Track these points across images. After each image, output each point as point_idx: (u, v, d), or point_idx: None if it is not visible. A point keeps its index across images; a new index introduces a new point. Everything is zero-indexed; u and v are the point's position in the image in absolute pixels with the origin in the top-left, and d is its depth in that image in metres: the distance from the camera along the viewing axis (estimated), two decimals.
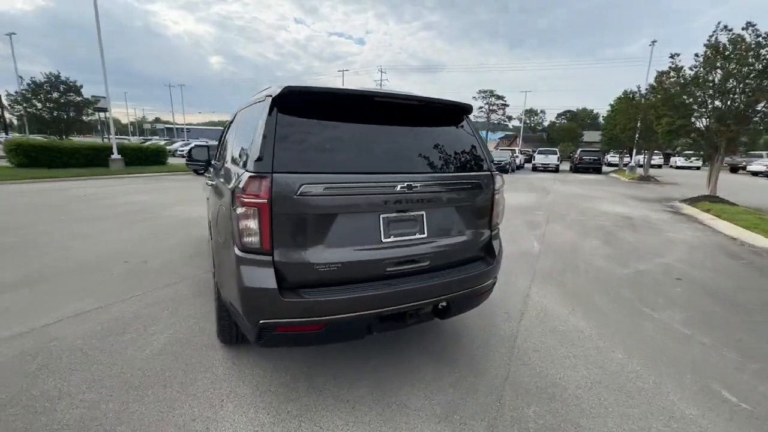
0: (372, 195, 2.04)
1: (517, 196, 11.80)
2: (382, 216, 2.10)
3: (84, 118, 27.89)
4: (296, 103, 1.99)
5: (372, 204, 2.05)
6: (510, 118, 61.36)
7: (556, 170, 25.99)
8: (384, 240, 2.11)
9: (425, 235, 2.25)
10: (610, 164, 37.90)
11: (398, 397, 2.24)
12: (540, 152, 27.35)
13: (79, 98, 26.68)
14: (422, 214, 2.24)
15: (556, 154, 26.54)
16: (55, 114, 25.95)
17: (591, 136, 54.13)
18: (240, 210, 1.84)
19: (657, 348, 2.89)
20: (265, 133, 1.90)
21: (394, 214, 2.14)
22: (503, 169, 23.02)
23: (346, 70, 38.01)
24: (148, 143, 23.29)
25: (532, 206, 9.84)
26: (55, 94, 25.53)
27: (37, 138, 20.24)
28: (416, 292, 2.13)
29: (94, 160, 16.47)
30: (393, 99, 2.19)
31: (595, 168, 25.71)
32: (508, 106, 58.67)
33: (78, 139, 26.50)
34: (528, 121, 75.89)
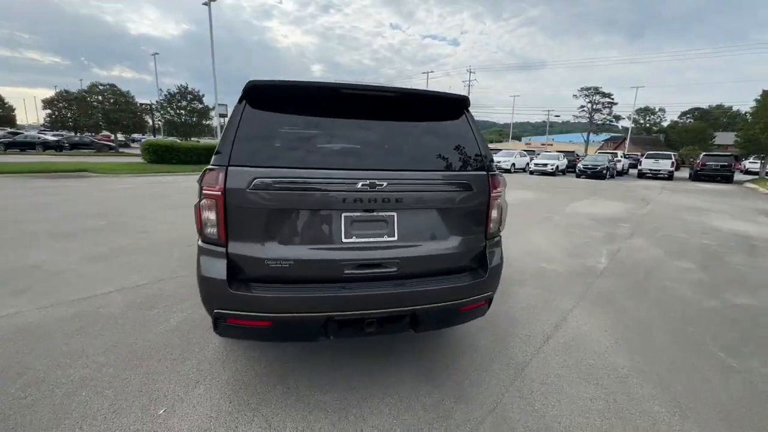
0: (330, 192, 1.94)
1: (604, 205, 10.38)
2: (344, 215, 1.99)
3: (204, 122, 32.62)
4: (263, 98, 2.00)
5: (330, 201, 1.95)
6: (618, 118, 54.21)
7: (670, 177, 22.17)
8: (345, 240, 2.00)
9: (395, 239, 2.07)
10: (748, 172, 31.05)
11: (360, 409, 2.10)
12: (648, 156, 23.61)
13: (201, 105, 31.34)
14: (393, 216, 2.06)
15: (670, 158, 22.61)
16: (183, 119, 30.89)
17: (726, 138, 45.09)
18: (200, 201, 1.91)
19: (722, 410, 2.22)
20: (228, 127, 1.95)
21: (359, 214, 2.01)
22: (598, 175, 20.48)
23: (431, 72, 37.60)
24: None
25: (619, 217, 8.54)
26: (183, 103, 30.46)
27: (165, 139, 24.32)
28: (376, 300, 1.97)
29: (206, 158, 19.16)
30: (364, 91, 2.06)
31: (723, 176, 21.20)
32: (615, 104, 51.84)
33: (204, 141, 31.15)
34: (642, 121, 66.39)
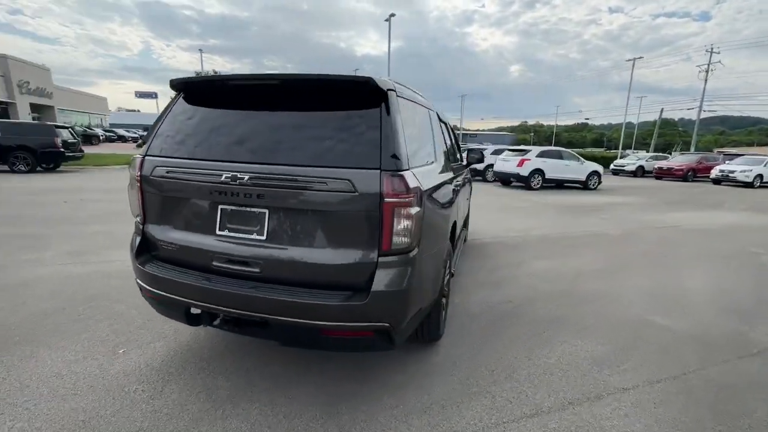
0: (202, 183, 1.93)
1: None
2: (221, 207, 1.95)
3: None
4: (187, 92, 2.15)
5: (204, 192, 1.94)
6: None
7: None
8: (218, 232, 1.96)
9: (263, 238, 1.88)
10: None
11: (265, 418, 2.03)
12: None
13: None
14: (265, 213, 1.88)
15: None
16: None
17: None
18: (129, 184, 2.24)
19: None
20: (155, 121, 2.20)
21: (233, 207, 1.93)
22: None
23: (639, 57, 30.25)
24: None
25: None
26: None
27: None
28: (231, 298, 1.85)
29: None
30: (253, 81, 1.94)
31: None
32: None
33: None
34: None
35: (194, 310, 2.02)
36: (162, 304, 2.11)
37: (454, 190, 2.98)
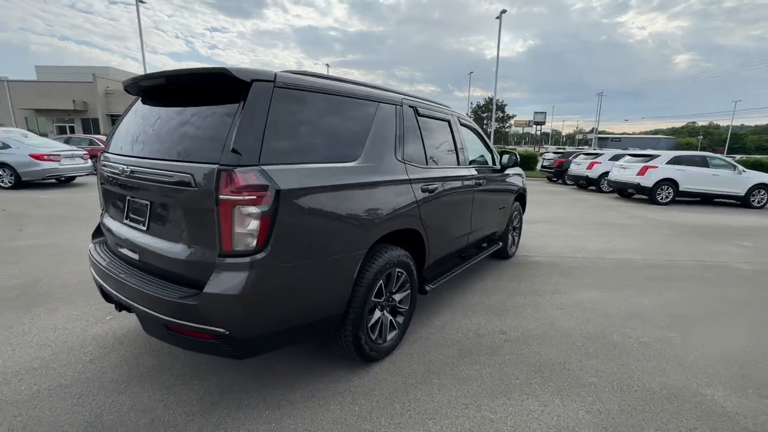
0: (112, 175, 2.13)
1: None
2: (128, 198, 2.12)
3: (505, 130, 34.48)
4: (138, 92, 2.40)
5: (115, 184, 2.14)
6: None
7: None
8: (124, 220, 2.13)
9: (144, 228, 1.97)
10: None
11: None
12: None
13: (502, 114, 33.27)
14: (147, 204, 1.96)
15: None
16: (483, 128, 34.04)
17: None
18: None
19: None
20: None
21: (131, 198, 2.08)
22: None
23: None
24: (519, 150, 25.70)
25: None
26: (485, 114, 33.46)
27: None
28: (113, 282, 1.99)
29: None
30: (146, 80, 2.04)
31: None
32: None
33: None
34: None
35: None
36: (94, 281, 2.41)
37: (423, 195, 2.62)
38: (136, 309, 1.88)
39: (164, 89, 2.15)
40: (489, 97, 34.39)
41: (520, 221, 5.08)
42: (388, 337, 2.53)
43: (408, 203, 2.50)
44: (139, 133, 2.13)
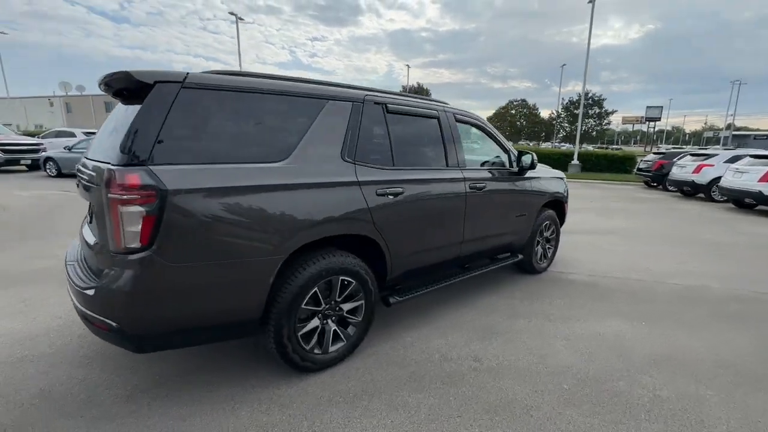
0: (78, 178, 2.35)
1: None
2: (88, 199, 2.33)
3: (601, 128, 30.73)
4: None
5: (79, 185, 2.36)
6: None
7: None
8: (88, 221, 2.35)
9: (90, 227, 2.15)
10: None
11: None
12: None
13: (599, 110, 29.64)
14: (90, 204, 2.14)
15: None
16: (574, 125, 30.69)
17: None
18: None
19: None
20: None
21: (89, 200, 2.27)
22: None
23: None
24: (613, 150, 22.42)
25: None
26: (576, 110, 30.08)
27: (521, 146, 25.32)
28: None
29: (559, 165, 18.59)
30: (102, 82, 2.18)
31: None
32: None
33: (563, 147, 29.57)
34: None
35: None
36: None
37: (380, 199, 2.42)
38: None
39: (113, 94, 2.29)
40: (588, 92, 30.58)
41: (556, 232, 4.41)
42: (331, 349, 2.38)
43: (354, 208, 2.32)
44: (97, 137, 2.32)
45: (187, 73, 1.85)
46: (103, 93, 2.08)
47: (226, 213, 1.85)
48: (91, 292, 1.76)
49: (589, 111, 30.83)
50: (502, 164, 3.70)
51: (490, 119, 50.61)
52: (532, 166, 3.63)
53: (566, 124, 32.97)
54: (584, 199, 10.41)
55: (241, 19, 23.24)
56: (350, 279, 2.36)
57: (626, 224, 7.30)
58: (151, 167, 1.68)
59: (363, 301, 2.48)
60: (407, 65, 38.98)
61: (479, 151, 4.08)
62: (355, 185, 2.33)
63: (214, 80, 1.92)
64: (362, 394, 2.19)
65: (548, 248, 4.39)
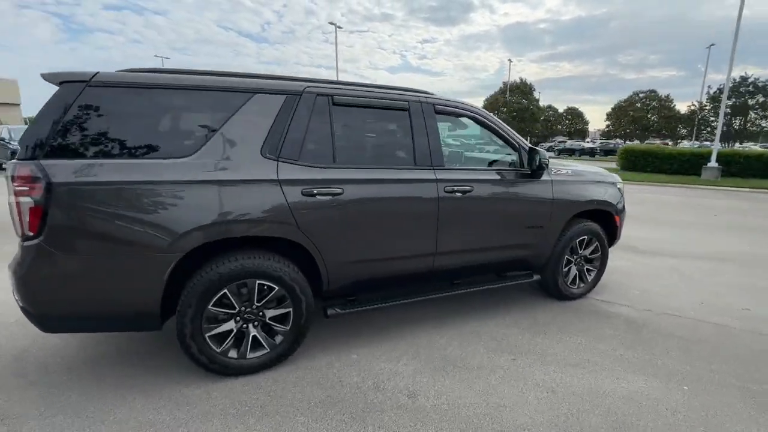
0: None
1: None
2: None
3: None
4: None
5: None
6: None
7: None
8: None
9: None
10: None
11: None
12: None
13: (764, 98, 23.18)
14: None
15: None
16: (729, 118, 24.55)
17: None
18: None
19: None
20: None
21: None
22: None
23: None
24: None
25: None
26: (730, 101, 23.82)
27: (640, 145, 20.76)
28: None
29: (689, 168, 15.10)
30: None
31: None
32: None
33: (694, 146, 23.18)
34: None
35: None
36: None
37: (307, 199, 2.22)
38: None
39: None
40: (738, 77, 23.69)
41: (601, 250, 3.50)
42: (251, 355, 2.26)
43: (270, 208, 2.15)
44: None
45: (96, 73, 1.93)
46: None
47: (115, 208, 1.87)
48: (9, 273, 1.97)
49: (749, 100, 23.97)
50: (510, 164, 3.08)
51: (610, 115, 43.49)
52: (540, 167, 2.92)
53: (713, 118, 26.21)
54: (704, 212, 8.21)
55: (339, 27, 24.95)
56: (271, 284, 2.20)
57: (752, 248, 5.48)
58: (41, 161, 1.79)
59: (291, 309, 2.30)
60: (509, 60, 36.09)
61: (485, 149, 3.48)
62: (273, 184, 2.16)
63: (123, 78, 1.97)
64: (257, 410, 2.01)
65: (589, 270, 3.51)
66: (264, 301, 2.24)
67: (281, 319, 2.31)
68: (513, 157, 3.08)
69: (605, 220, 3.53)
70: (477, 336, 2.82)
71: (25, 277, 1.84)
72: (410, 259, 2.64)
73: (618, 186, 3.60)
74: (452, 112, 2.84)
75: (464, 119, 2.97)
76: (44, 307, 1.91)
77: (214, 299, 2.10)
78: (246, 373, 2.27)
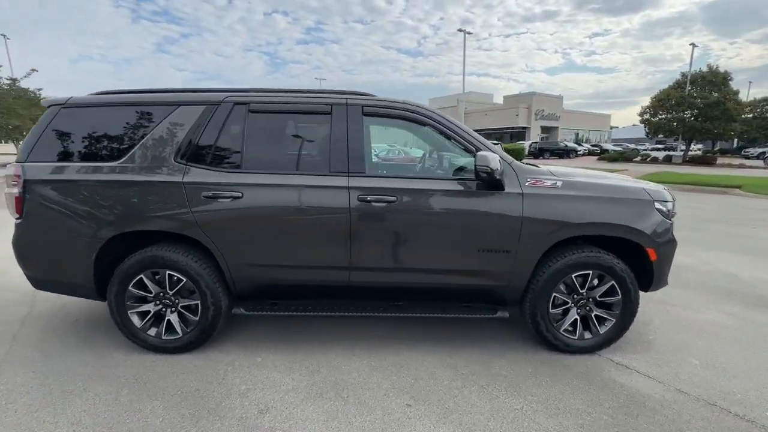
0: None
1: None
2: None
3: None
4: None
5: None
6: None
7: None
8: None
9: None
10: None
11: None
12: None
13: None
14: None
15: None
16: None
17: None
18: None
19: None
20: None
21: None
22: None
23: None
24: None
25: None
26: None
27: None
28: None
29: None
30: None
31: None
32: None
33: None
34: None
35: None
36: None
37: (210, 202, 2.39)
38: None
39: None
40: None
41: (622, 294, 2.51)
42: (165, 336, 2.54)
43: (173, 207, 2.38)
44: None
45: (70, 97, 2.54)
46: None
47: (64, 199, 2.41)
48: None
49: None
50: (458, 171, 2.57)
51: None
52: (491, 176, 2.29)
53: None
54: None
55: (469, 33, 24.19)
56: (180, 276, 2.45)
57: None
58: (24, 163, 2.45)
59: (198, 302, 2.49)
60: (692, 44, 27.60)
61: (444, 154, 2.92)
62: (177, 186, 2.39)
63: (86, 100, 2.53)
64: (132, 382, 2.26)
65: (601, 318, 2.58)
66: (175, 290, 2.49)
67: (194, 310, 2.53)
68: (468, 161, 2.54)
69: (632, 253, 2.53)
70: (396, 369, 2.44)
71: (15, 246, 2.55)
72: (319, 269, 2.50)
73: (658, 206, 2.53)
74: (384, 113, 2.54)
75: (400, 120, 2.60)
76: (29, 270, 2.60)
77: (134, 281, 2.47)
78: (163, 353, 2.56)
